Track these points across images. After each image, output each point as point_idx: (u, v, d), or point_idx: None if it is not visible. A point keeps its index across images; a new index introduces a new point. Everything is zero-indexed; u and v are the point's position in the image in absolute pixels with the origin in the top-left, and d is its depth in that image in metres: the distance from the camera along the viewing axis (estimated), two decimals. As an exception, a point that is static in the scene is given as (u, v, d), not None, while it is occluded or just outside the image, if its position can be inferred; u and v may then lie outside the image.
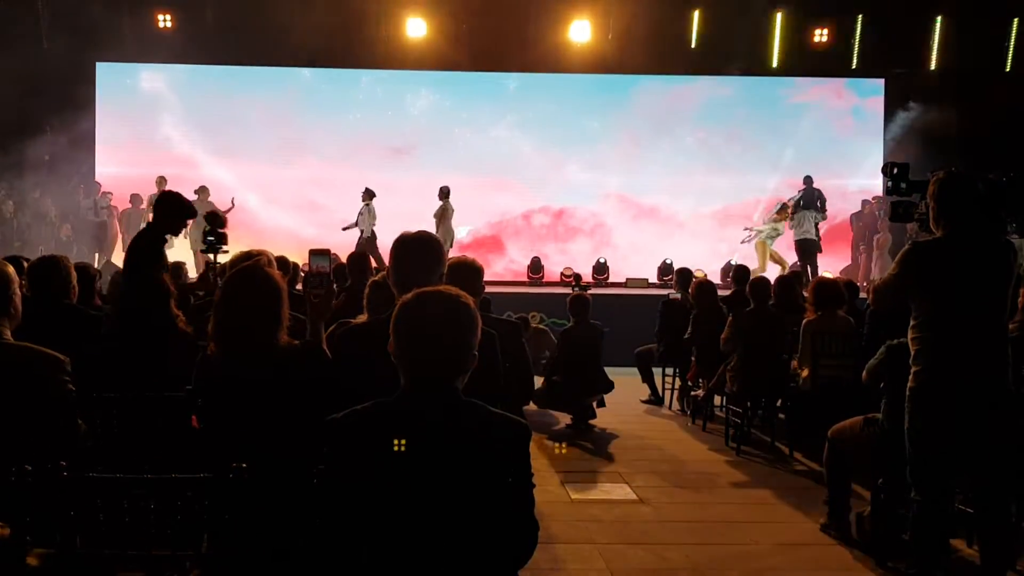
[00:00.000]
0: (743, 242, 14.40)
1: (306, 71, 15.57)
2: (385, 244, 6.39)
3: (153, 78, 15.51)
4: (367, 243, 13.24)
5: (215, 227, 5.97)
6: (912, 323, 3.75)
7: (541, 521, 2.22)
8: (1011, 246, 3.80)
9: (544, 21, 15.00)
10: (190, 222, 5.52)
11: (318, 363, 2.93)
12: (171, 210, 5.11)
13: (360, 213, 13.84)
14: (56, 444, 2.60)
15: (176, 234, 5.27)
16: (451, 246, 13.00)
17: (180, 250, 13.60)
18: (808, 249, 13.60)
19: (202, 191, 14.13)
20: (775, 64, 15.27)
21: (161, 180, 14.13)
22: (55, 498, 2.17)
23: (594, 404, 7.81)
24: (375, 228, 13.70)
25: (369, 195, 13.94)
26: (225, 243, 5.96)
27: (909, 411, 3.73)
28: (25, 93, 13.44)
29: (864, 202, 15.21)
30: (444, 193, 13.75)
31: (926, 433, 3.68)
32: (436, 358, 2.09)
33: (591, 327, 7.86)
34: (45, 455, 2.33)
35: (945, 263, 3.66)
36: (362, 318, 3.86)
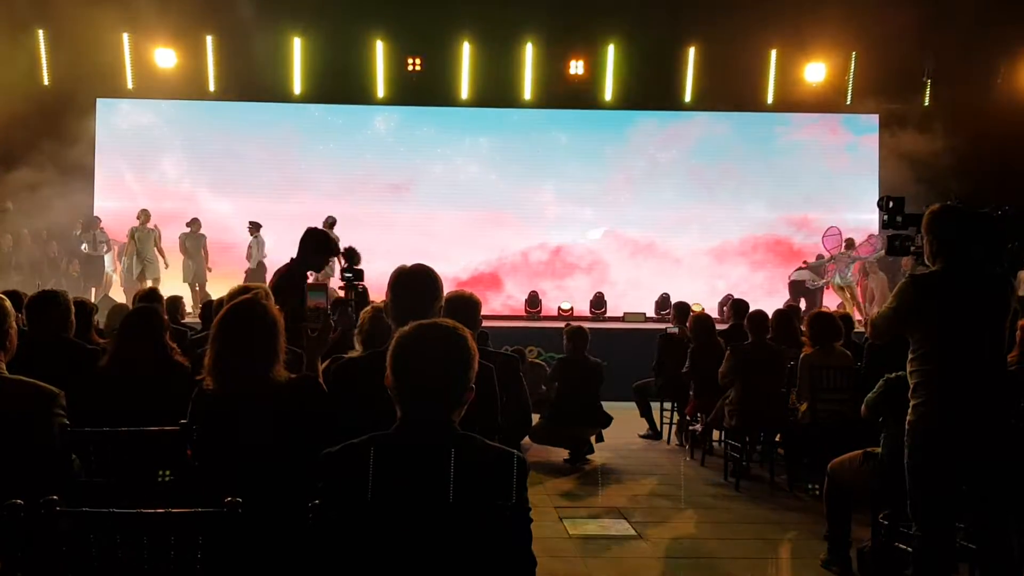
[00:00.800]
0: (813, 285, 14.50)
1: (305, 107, 15.68)
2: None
3: (153, 114, 15.62)
4: (253, 274, 13.36)
5: (352, 263, 5.86)
6: (910, 356, 3.75)
7: (539, 557, 2.20)
8: (1007, 279, 3.81)
9: (542, 58, 15.17)
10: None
11: (315, 397, 2.92)
12: (314, 247, 5.18)
13: (249, 246, 14.00)
14: (49, 478, 2.58)
15: (319, 270, 5.30)
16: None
17: (174, 283, 13.66)
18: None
19: (194, 223, 14.20)
20: (770, 101, 15.42)
21: (144, 213, 14.12)
22: (48, 533, 2.15)
23: (592, 439, 7.78)
24: (264, 260, 13.88)
25: (256, 227, 14.04)
26: (362, 279, 5.81)
27: (908, 445, 3.71)
28: (25, 128, 13.52)
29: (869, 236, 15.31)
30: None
31: (926, 467, 3.66)
32: (433, 391, 2.08)
33: (589, 361, 7.85)
34: (38, 489, 2.31)
35: (942, 296, 3.66)
36: (354, 352, 3.85)
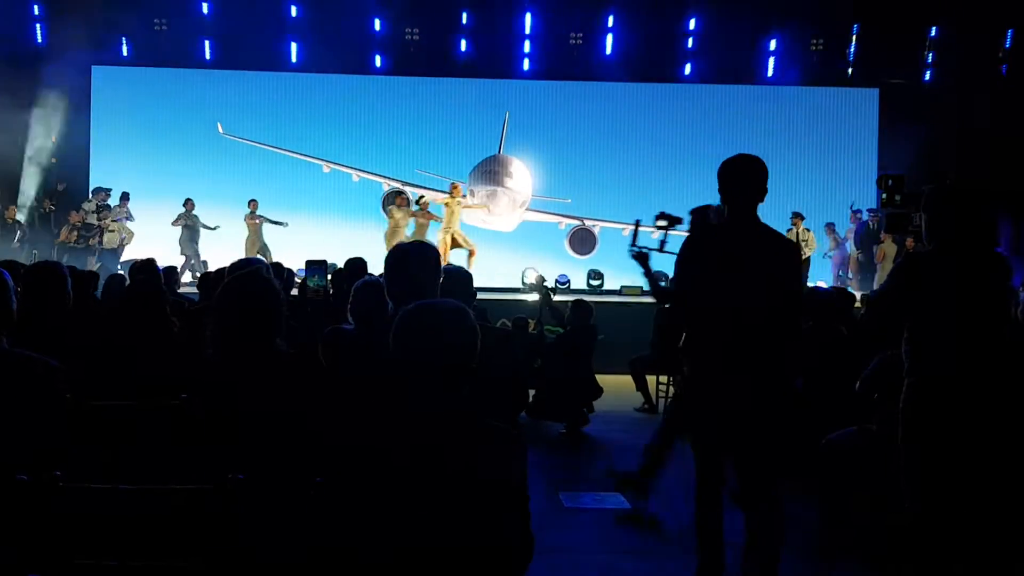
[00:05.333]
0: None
1: (303, 76, 15.57)
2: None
3: (149, 81, 15.50)
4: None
5: None
6: (905, 335, 3.76)
7: (533, 530, 2.22)
8: (1005, 259, 3.80)
9: (537, 30, 15.06)
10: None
11: (314, 371, 2.93)
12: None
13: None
14: (51, 453, 2.59)
15: None
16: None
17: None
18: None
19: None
20: (770, 74, 15.33)
21: (188, 203, 14.17)
22: (51, 508, 2.16)
23: (585, 410, 7.82)
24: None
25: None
26: None
27: (903, 423, 3.74)
28: (22, 99, 13.45)
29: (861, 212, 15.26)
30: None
31: (920, 445, 3.68)
32: (436, 370, 2.09)
33: (587, 330, 7.86)
34: (40, 464, 2.33)
35: (938, 276, 3.67)
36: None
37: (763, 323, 3.60)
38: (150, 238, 14.20)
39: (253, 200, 14.26)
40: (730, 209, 3.77)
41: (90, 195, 14.36)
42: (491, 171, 15.39)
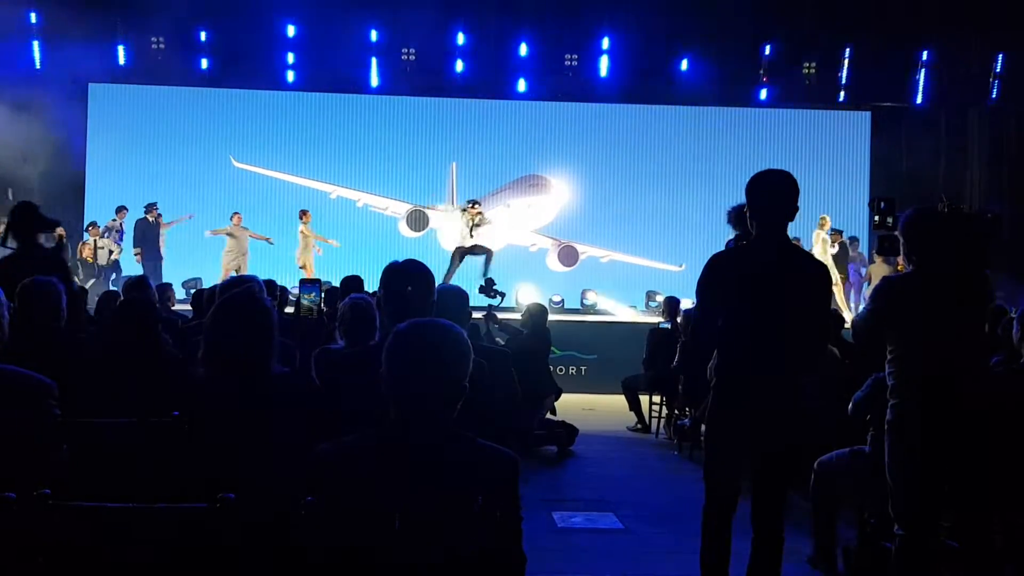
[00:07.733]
0: None
1: (299, 95, 15.61)
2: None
3: (146, 99, 15.51)
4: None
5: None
6: (888, 357, 3.78)
7: (526, 551, 2.22)
8: (986, 279, 3.82)
9: (533, 51, 15.15)
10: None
11: (308, 391, 2.93)
12: None
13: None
14: (41, 472, 2.58)
15: None
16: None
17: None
18: None
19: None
20: (762, 97, 15.42)
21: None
22: (38, 526, 2.15)
23: (549, 414, 7.86)
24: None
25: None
26: None
27: (889, 444, 3.75)
28: (17, 115, 13.46)
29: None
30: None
31: (906, 466, 3.69)
32: (429, 391, 2.09)
33: (544, 333, 7.90)
34: (29, 481, 2.32)
35: (915, 298, 3.68)
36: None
37: (790, 344, 3.56)
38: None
39: (236, 213, 14.10)
40: (759, 226, 3.66)
41: (115, 213, 14.36)
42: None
